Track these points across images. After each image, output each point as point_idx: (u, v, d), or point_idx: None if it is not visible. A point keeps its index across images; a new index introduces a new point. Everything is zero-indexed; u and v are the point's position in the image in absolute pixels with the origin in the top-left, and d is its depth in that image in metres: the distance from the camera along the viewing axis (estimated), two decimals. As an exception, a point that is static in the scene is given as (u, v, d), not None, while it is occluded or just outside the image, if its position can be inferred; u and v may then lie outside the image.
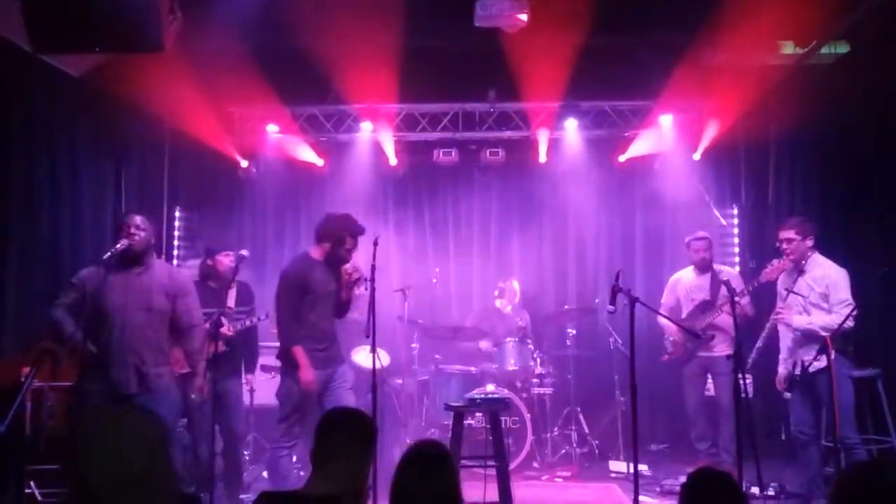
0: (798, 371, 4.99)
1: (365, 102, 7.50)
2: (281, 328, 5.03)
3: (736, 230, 7.87)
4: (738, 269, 7.27)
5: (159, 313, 4.62)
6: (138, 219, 4.66)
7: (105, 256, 4.51)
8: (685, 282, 6.44)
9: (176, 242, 7.93)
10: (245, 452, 6.75)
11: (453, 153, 7.88)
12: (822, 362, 4.80)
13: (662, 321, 6.27)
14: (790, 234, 5.15)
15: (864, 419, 5.52)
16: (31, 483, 4.92)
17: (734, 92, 6.86)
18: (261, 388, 6.80)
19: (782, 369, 5.23)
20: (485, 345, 7.18)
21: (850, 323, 4.85)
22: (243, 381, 6.13)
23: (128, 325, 4.51)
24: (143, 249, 4.63)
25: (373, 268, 4.65)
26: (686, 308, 6.35)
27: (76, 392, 4.60)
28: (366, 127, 7.76)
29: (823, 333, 4.86)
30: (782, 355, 5.28)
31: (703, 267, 6.32)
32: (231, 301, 5.78)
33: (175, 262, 7.78)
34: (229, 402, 5.65)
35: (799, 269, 5.14)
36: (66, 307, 4.52)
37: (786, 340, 5.25)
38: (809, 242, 5.15)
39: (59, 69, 6.09)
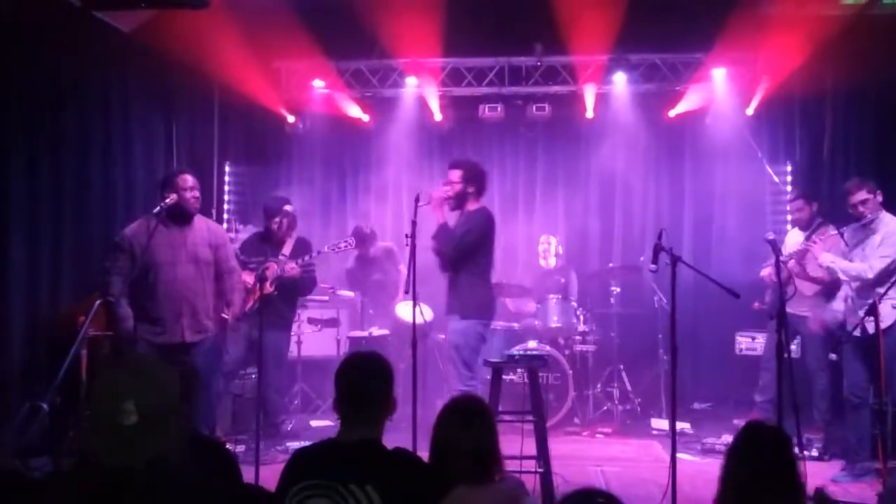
0: (857, 332, 4.93)
1: (410, 57, 7.45)
2: None
3: (789, 188, 7.67)
4: (789, 227, 7.09)
5: (205, 264, 4.87)
6: (191, 180, 4.86)
7: (155, 211, 4.66)
8: (791, 239, 6.30)
9: (227, 197, 8.07)
10: (293, 403, 6.97)
11: (499, 108, 7.80)
12: (883, 323, 4.73)
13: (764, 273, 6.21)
14: (862, 195, 5.01)
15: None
16: (90, 428, 5.14)
17: (790, 44, 6.62)
18: (307, 340, 6.98)
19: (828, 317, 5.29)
20: (531, 306, 7.18)
21: (868, 274, 4.87)
22: (291, 333, 6.30)
23: (179, 279, 4.73)
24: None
25: (413, 224, 4.68)
26: None
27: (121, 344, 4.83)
28: (411, 82, 7.72)
29: (843, 276, 5.03)
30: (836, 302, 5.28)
31: (802, 226, 6.12)
32: (287, 249, 5.93)
33: (226, 216, 7.94)
34: (265, 354, 5.78)
35: (871, 229, 5.02)
36: (120, 276, 4.66)
37: (844, 291, 5.20)
38: (880, 198, 5.04)
39: (110, 25, 6.19)
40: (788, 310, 6.03)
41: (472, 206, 5.22)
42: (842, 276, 5.04)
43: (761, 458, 2.30)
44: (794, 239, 6.31)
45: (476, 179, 5.23)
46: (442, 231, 5.16)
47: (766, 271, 6.07)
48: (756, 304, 6.46)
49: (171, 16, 6.00)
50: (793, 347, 6.29)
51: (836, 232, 5.17)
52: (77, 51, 5.96)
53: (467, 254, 5.07)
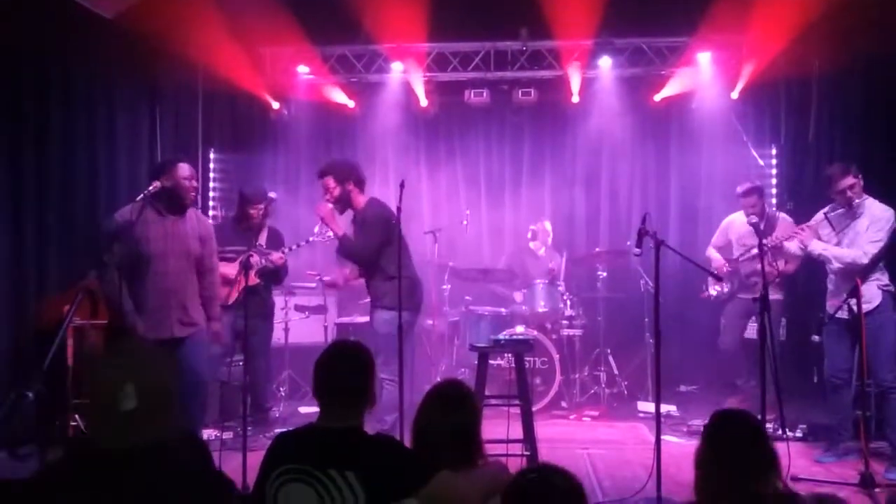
0: (843, 314, 4.98)
1: (395, 42, 7.42)
2: None
3: (774, 171, 7.70)
4: (774, 209, 7.13)
5: (195, 257, 4.76)
6: (189, 169, 4.75)
7: (138, 198, 4.59)
8: (737, 226, 6.38)
9: (211, 184, 8.02)
10: (281, 389, 6.98)
11: (485, 93, 7.75)
12: (869, 304, 4.81)
13: (713, 256, 6.40)
14: (850, 179, 5.02)
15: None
16: (76, 416, 5.14)
17: (775, 27, 6.63)
18: (295, 327, 6.98)
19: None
20: (519, 297, 7.18)
21: (863, 260, 4.89)
22: (275, 321, 6.31)
23: (170, 272, 4.63)
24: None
25: (398, 210, 4.67)
26: (737, 251, 6.38)
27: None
28: (396, 67, 7.68)
29: (836, 263, 5.03)
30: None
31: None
32: (262, 239, 5.94)
33: (211, 203, 7.90)
34: (251, 342, 5.78)
35: (856, 213, 5.05)
36: (118, 269, 4.48)
37: (830, 277, 5.22)
38: (862, 182, 5.09)
39: (92, 11, 6.12)
40: (747, 295, 6.14)
41: (359, 201, 5.31)
42: (835, 263, 5.02)
43: (732, 438, 2.36)
44: (741, 221, 6.35)
45: (350, 175, 5.31)
46: (343, 244, 5.32)
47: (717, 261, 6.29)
48: (705, 294, 6.52)
49: (153, 1, 5.95)
50: (752, 326, 6.40)
51: (824, 216, 5.19)
52: (59, 37, 5.90)
53: (374, 254, 5.19)
